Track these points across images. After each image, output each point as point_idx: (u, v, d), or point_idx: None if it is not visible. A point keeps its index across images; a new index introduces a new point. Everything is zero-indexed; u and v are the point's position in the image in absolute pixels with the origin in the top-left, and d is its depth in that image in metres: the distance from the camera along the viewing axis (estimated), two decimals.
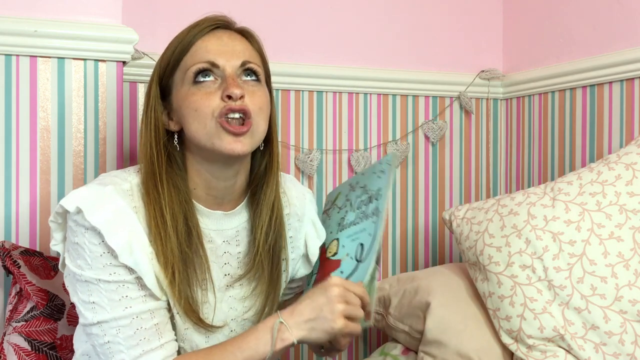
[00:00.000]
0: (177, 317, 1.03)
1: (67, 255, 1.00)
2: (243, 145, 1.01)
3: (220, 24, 1.05)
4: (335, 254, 1.15)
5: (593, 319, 1.18)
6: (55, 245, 1.03)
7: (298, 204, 1.20)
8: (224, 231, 1.09)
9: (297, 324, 0.98)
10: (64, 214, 1.00)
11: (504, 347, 1.29)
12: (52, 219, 1.01)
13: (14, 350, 1.17)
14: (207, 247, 1.06)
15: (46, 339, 1.18)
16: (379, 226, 1.11)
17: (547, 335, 1.22)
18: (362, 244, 1.11)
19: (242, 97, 1.00)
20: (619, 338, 1.16)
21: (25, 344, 1.17)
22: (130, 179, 1.03)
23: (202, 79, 1.00)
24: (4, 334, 1.20)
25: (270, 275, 1.12)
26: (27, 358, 1.16)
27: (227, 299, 1.09)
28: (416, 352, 1.44)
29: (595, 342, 1.18)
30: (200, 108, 0.99)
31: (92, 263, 0.96)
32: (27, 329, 1.18)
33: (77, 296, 0.98)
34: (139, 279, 0.98)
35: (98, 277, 0.96)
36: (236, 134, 0.99)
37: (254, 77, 1.04)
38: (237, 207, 1.10)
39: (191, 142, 1.04)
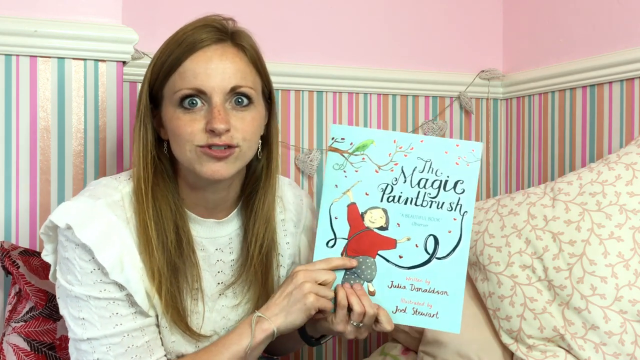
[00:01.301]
0: (164, 331, 1.02)
1: (58, 268, 0.99)
2: (225, 169, 0.98)
3: (212, 40, 0.99)
4: (384, 228, 1.06)
5: (593, 319, 1.18)
6: (47, 256, 1.02)
7: (294, 209, 1.18)
8: (216, 239, 1.08)
9: (274, 313, 1.01)
10: (54, 227, 0.98)
11: (504, 347, 1.29)
12: (43, 232, 1.00)
13: (14, 350, 1.17)
14: (199, 256, 1.05)
15: (45, 339, 1.18)
16: (469, 229, 1.05)
17: (547, 335, 1.22)
18: (435, 237, 1.05)
19: (227, 130, 0.96)
20: (619, 338, 1.16)
21: (24, 345, 1.17)
22: (121, 188, 1.02)
23: (188, 106, 0.97)
24: (3, 334, 1.20)
25: (263, 284, 1.11)
26: (26, 358, 1.16)
27: (219, 308, 1.08)
28: (416, 352, 1.44)
29: (595, 342, 1.17)
30: (182, 135, 0.97)
31: (82, 279, 0.95)
32: (26, 329, 1.18)
33: (67, 310, 0.98)
34: (129, 296, 0.97)
35: (88, 293, 0.95)
36: (219, 158, 0.97)
37: (245, 102, 0.99)
38: (230, 215, 1.09)
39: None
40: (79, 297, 0.96)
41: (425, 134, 1.84)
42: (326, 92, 1.74)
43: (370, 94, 1.79)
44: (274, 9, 1.68)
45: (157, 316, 1.02)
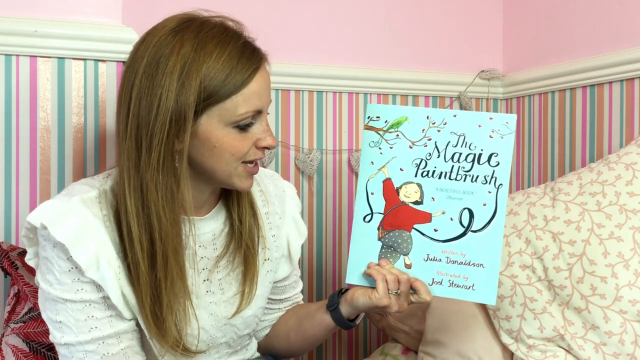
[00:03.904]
0: (148, 335, 1.01)
1: (38, 270, 0.99)
2: (253, 182, 1.06)
3: (262, 57, 1.01)
4: (419, 202, 1.08)
5: (593, 319, 1.18)
6: (30, 260, 1.02)
7: (277, 202, 1.19)
8: (199, 236, 1.07)
9: None
10: (33, 229, 0.98)
11: (504, 347, 1.29)
12: (24, 235, 0.99)
13: (12, 351, 1.17)
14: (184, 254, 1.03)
15: (44, 340, 1.18)
16: (504, 201, 1.05)
17: (547, 335, 1.22)
18: (469, 210, 1.06)
19: None
20: (619, 338, 1.16)
21: (23, 345, 1.17)
22: (98, 186, 1.01)
23: (246, 127, 0.99)
24: (2, 335, 1.20)
25: (250, 277, 1.10)
26: (25, 359, 1.16)
27: (206, 305, 1.07)
28: (416, 352, 1.44)
29: (595, 342, 1.17)
30: (237, 153, 0.99)
31: (61, 278, 0.95)
32: (25, 330, 1.18)
33: (46, 314, 0.98)
34: (105, 299, 0.97)
35: (64, 296, 0.95)
36: (252, 174, 1.03)
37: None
38: (212, 211, 1.09)
39: (198, 169, 1.01)
40: (56, 300, 0.96)
41: None
42: (326, 92, 1.74)
43: (370, 94, 1.79)
44: (274, 9, 1.68)
45: (136, 319, 1.01)
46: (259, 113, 1.00)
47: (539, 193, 1.36)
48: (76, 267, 0.95)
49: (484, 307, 1.35)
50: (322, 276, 1.76)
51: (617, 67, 1.53)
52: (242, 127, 0.98)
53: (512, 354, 1.29)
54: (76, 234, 0.94)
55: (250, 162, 1.02)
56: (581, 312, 1.19)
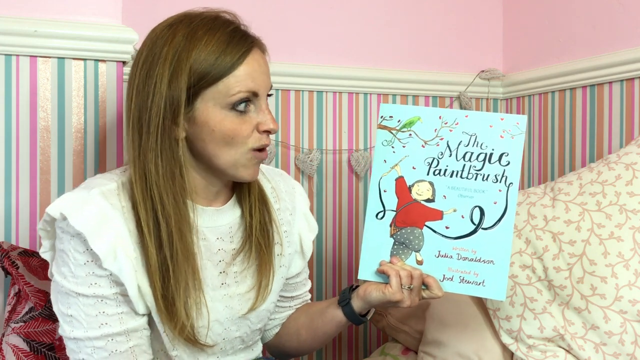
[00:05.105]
0: (160, 325, 1.02)
1: (54, 262, 1.00)
2: (257, 172, 1.06)
3: (253, 42, 1.02)
4: (431, 200, 1.10)
5: (593, 319, 1.18)
6: (45, 253, 1.03)
7: (288, 198, 1.20)
8: (217, 227, 1.08)
9: None
10: (52, 221, 0.99)
11: (504, 347, 1.29)
12: (41, 227, 1.01)
13: (13, 351, 1.17)
14: (201, 245, 1.05)
15: (45, 339, 1.18)
16: (514, 200, 1.07)
17: (547, 335, 1.22)
18: (480, 208, 1.08)
19: None
20: (619, 338, 1.16)
21: (24, 345, 1.17)
22: (116, 179, 1.03)
23: (243, 109, 1.00)
24: (3, 335, 1.20)
25: (264, 271, 1.11)
26: (25, 359, 1.16)
27: (221, 298, 1.08)
28: (416, 352, 1.44)
29: (595, 342, 1.18)
30: (237, 138, 1.00)
31: (75, 271, 0.96)
32: (25, 330, 1.18)
33: (57, 306, 0.99)
34: (118, 295, 0.98)
35: (78, 290, 0.96)
36: (261, 160, 1.04)
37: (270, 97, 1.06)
38: (229, 203, 1.10)
39: (202, 158, 1.02)
40: (68, 293, 0.97)
41: None
42: (326, 92, 1.74)
43: (370, 94, 1.79)
44: (273, 9, 1.68)
45: (148, 314, 1.02)
46: (255, 95, 1.00)
47: (539, 193, 1.36)
48: (92, 260, 0.96)
49: (484, 308, 1.35)
50: (322, 276, 1.76)
51: (617, 67, 1.53)
52: (240, 110, 1.00)
53: (512, 354, 1.29)
54: (94, 224, 0.95)
55: (260, 149, 1.03)
56: (581, 312, 1.19)
